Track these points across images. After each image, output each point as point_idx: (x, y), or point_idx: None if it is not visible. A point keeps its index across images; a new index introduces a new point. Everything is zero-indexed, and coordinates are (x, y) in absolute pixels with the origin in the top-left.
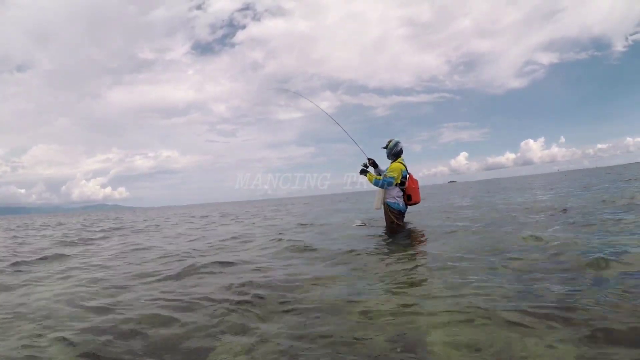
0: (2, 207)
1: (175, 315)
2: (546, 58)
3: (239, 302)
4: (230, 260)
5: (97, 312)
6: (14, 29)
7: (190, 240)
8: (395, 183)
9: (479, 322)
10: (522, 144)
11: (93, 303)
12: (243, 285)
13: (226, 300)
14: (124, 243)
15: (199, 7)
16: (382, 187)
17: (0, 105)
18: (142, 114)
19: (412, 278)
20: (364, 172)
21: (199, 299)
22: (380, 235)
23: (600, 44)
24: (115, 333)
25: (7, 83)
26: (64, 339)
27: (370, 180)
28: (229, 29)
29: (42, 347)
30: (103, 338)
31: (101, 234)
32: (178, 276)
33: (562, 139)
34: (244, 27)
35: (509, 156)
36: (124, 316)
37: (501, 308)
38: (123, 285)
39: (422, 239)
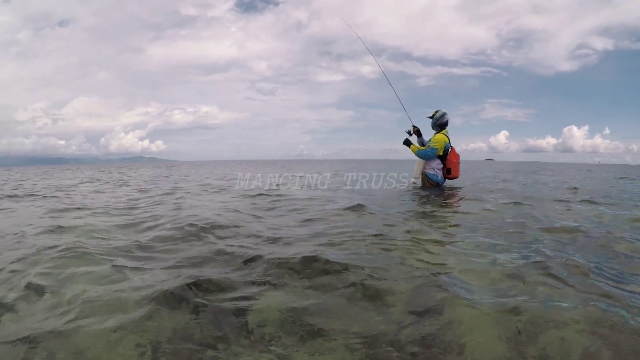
0: (42, 158)
1: None
2: (600, 43)
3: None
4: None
5: None
6: None
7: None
8: (437, 154)
9: (506, 282)
10: (565, 129)
11: None
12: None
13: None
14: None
15: None
16: (424, 158)
17: (42, 60)
18: (182, 69)
19: (440, 236)
20: (407, 143)
21: None
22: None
23: None
24: None
25: (48, 38)
26: None
27: (413, 151)
28: None
29: None
30: None
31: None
32: None
33: (607, 130)
34: None
35: (550, 140)
36: None
37: (528, 269)
38: None
39: (457, 200)
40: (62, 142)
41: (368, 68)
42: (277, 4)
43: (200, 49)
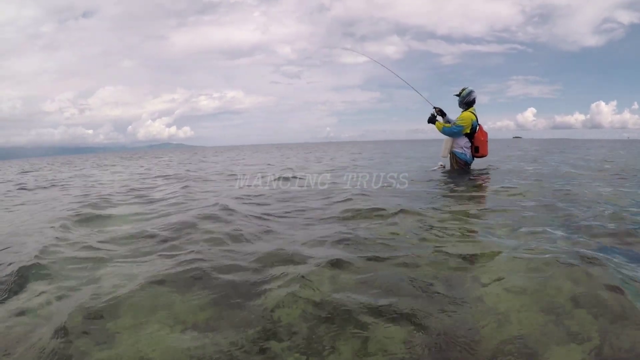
0: (71, 147)
1: None
2: (627, 17)
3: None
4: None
5: None
6: None
7: None
8: (464, 132)
9: (534, 267)
10: (593, 105)
11: None
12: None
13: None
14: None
15: None
16: (450, 135)
17: (67, 51)
18: (206, 55)
19: (468, 219)
20: (432, 120)
21: None
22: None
23: None
24: None
25: (72, 29)
26: None
27: (438, 128)
28: None
29: None
30: None
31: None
32: None
33: (636, 105)
34: None
35: (578, 117)
36: None
37: (559, 254)
38: None
39: (486, 180)
40: (90, 131)
41: (392, 48)
42: None
43: (223, 34)
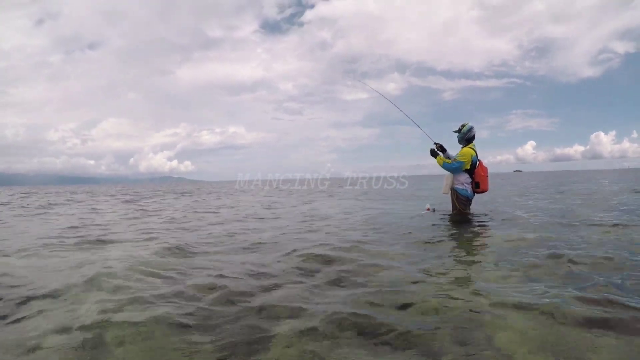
0: (72, 177)
1: None
2: (622, 47)
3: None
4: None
5: None
6: (86, 8)
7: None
8: (464, 168)
9: (547, 319)
10: (592, 136)
11: None
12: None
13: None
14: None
15: None
16: (450, 171)
17: (72, 82)
18: (210, 90)
19: (473, 269)
20: (434, 154)
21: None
22: (445, 223)
23: None
24: None
25: (78, 61)
26: None
27: (439, 163)
28: (298, 8)
29: None
30: None
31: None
32: None
33: (635, 134)
34: (312, 6)
35: (578, 148)
36: None
37: (571, 306)
38: None
39: (488, 227)
40: (92, 162)
41: (392, 85)
42: (301, 25)
43: (227, 70)
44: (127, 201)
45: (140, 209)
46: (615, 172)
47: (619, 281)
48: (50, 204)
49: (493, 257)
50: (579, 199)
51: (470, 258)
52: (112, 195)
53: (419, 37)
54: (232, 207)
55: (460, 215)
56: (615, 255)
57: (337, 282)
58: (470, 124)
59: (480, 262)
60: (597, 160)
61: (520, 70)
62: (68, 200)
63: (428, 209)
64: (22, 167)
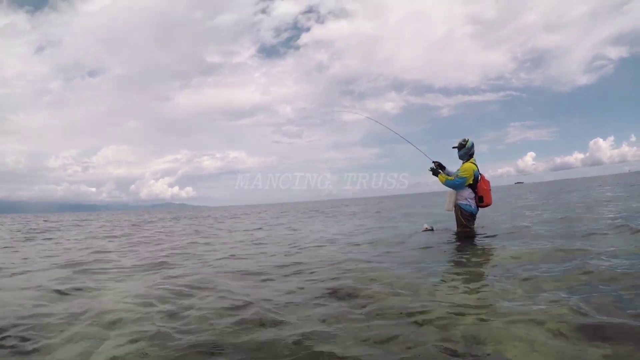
0: (73, 204)
1: None
2: (615, 52)
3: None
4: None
5: None
6: (86, 36)
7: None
8: (467, 183)
9: (558, 335)
10: (591, 143)
11: None
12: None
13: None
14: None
15: (263, 11)
16: (454, 187)
17: (73, 109)
18: (209, 116)
19: (484, 290)
20: (435, 173)
21: None
22: (450, 241)
23: None
24: None
25: (79, 88)
26: None
27: (441, 181)
28: (294, 31)
29: None
30: None
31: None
32: None
33: (633, 137)
34: (308, 29)
35: (577, 156)
36: None
37: (581, 320)
38: None
39: (494, 243)
40: (93, 189)
41: (391, 104)
42: (297, 48)
43: (226, 95)
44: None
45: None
46: (615, 177)
47: (631, 296)
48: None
49: (501, 271)
50: (581, 207)
51: (479, 274)
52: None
53: (414, 55)
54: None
55: (466, 232)
56: (627, 264)
57: (341, 298)
58: (471, 139)
59: (489, 277)
60: (597, 167)
61: (516, 82)
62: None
63: (426, 229)
64: (24, 195)
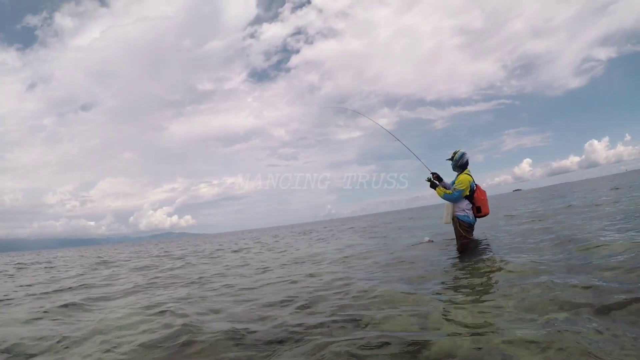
0: (73, 239)
1: None
2: (604, 53)
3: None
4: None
5: None
6: (76, 70)
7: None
8: (464, 195)
9: (559, 349)
10: (586, 145)
11: None
12: None
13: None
14: None
15: (252, 36)
16: (451, 200)
17: (68, 144)
18: (204, 143)
19: (482, 309)
20: (433, 185)
21: None
22: (451, 253)
23: None
24: None
25: (72, 122)
26: None
27: (439, 194)
28: (283, 54)
29: None
30: None
31: None
32: None
33: (628, 137)
34: (297, 51)
35: (574, 159)
36: None
37: (580, 338)
38: None
39: (493, 254)
40: (92, 223)
41: (384, 120)
42: (288, 71)
43: (220, 122)
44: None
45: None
46: (614, 177)
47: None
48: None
49: (499, 288)
50: (580, 213)
51: (476, 291)
52: None
53: (404, 70)
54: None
55: (465, 243)
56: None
57: (352, 323)
58: (462, 150)
59: (485, 294)
60: (594, 169)
61: (508, 91)
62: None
63: (428, 240)
64: (23, 232)
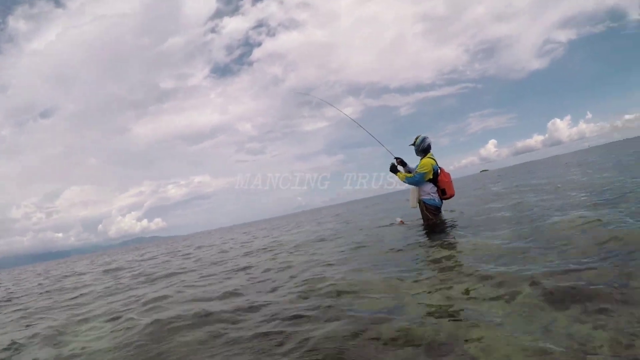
0: (42, 253)
1: None
2: (564, 35)
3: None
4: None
5: None
6: (34, 76)
7: None
8: (427, 178)
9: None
10: (549, 124)
11: None
12: None
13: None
14: None
15: (213, 30)
16: (414, 184)
17: (29, 154)
18: (170, 142)
19: (451, 280)
20: (394, 170)
21: None
22: (419, 234)
23: (615, 15)
24: None
25: (32, 131)
26: None
27: (401, 178)
28: (246, 47)
29: None
30: None
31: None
32: None
33: (589, 115)
34: (259, 44)
35: (537, 138)
36: None
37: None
38: None
39: (459, 234)
40: (60, 234)
41: (349, 109)
42: (251, 64)
43: (184, 120)
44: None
45: None
46: (576, 153)
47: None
48: None
49: (467, 264)
50: (542, 192)
51: (444, 268)
52: None
53: (368, 58)
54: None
55: (432, 225)
56: (587, 249)
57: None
58: (423, 135)
59: (453, 271)
60: (557, 146)
61: (471, 74)
62: None
63: (400, 221)
64: None
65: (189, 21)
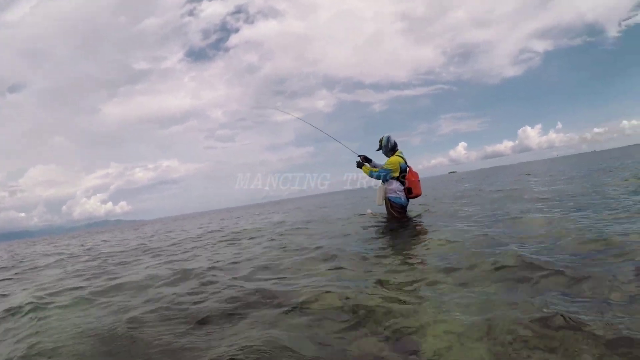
0: (5, 233)
1: None
2: (541, 45)
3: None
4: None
5: None
6: (5, 49)
7: None
8: (393, 175)
9: (482, 328)
10: (520, 131)
11: None
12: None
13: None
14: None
15: (190, 13)
16: (378, 179)
17: None
18: (139, 125)
19: (410, 277)
20: (359, 165)
21: None
22: (382, 231)
23: (593, 30)
24: None
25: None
26: None
27: (365, 172)
28: (222, 33)
29: None
30: None
31: None
32: None
33: (559, 125)
34: (237, 30)
35: (507, 144)
36: None
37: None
38: None
39: (424, 231)
40: (23, 214)
41: (322, 102)
42: (227, 50)
43: (156, 103)
44: None
45: None
46: (545, 162)
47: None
48: None
49: (431, 261)
50: (509, 194)
51: (406, 265)
52: None
53: (345, 53)
54: None
55: (397, 222)
56: (548, 250)
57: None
58: (387, 134)
59: (415, 268)
60: (526, 153)
61: (446, 76)
62: None
63: (370, 213)
64: None
65: (167, 2)
